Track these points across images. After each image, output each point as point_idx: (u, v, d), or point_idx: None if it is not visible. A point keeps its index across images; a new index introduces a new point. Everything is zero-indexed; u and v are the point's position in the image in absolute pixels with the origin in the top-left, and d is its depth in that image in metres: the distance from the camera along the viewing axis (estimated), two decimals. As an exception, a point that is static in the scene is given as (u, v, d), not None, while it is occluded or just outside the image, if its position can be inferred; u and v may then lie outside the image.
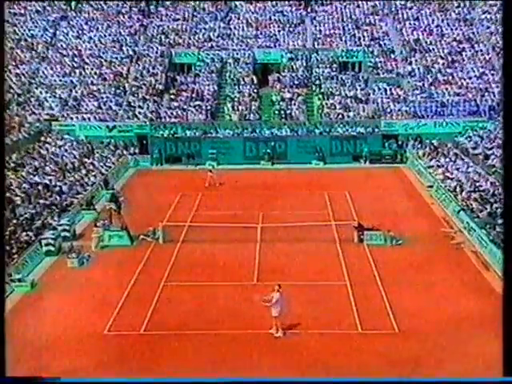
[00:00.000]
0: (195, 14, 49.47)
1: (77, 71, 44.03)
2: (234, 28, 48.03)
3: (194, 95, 42.39)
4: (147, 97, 42.12)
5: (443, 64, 43.44)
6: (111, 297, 20.01)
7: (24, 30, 47.86)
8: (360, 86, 42.51)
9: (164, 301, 19.86)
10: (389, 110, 40.59)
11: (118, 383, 10.98)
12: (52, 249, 23.61)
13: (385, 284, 20.64)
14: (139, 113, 41.14)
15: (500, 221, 23.15)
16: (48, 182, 30.16)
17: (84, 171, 33.76)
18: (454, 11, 47.98)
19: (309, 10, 49.28)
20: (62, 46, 46.51)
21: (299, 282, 20.96)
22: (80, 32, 47.69)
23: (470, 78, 42.13)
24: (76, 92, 42.30)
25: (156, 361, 16.30)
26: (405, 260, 22.87)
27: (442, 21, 47.31)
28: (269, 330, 17.32)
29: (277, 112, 41.17)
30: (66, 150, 36.71)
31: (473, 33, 45.97)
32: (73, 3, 49.85)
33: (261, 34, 47.32)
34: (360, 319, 18.23)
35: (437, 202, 29.56)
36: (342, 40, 46.17)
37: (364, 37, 46.36)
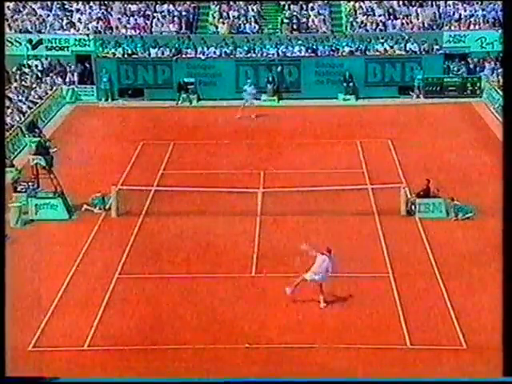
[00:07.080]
0: None
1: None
2: None
3: (161, -5, 42.23)
4: (91, -4, 41.94)
5: None
6: (40, 296, 20.04)
7: None
8: (412, -21, 42.33)
9: (118, 302, 19.98)
10: (456, 15, 40.36)
11: (118, 383, 14.27)
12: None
13: (445, 278, 20.78)
14: (78, 20, 40.88)
15: None
16: None
17: (-4, 109, 33.74)
18: None
19: None
20: None
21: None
22: None
23: None
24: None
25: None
26: (476, 242, 22.97)
27: None
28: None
29: (286, 21, 40.96)
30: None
31: None
32: None
33: None
34: (408, 328, 18.39)
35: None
36: None
37: None
